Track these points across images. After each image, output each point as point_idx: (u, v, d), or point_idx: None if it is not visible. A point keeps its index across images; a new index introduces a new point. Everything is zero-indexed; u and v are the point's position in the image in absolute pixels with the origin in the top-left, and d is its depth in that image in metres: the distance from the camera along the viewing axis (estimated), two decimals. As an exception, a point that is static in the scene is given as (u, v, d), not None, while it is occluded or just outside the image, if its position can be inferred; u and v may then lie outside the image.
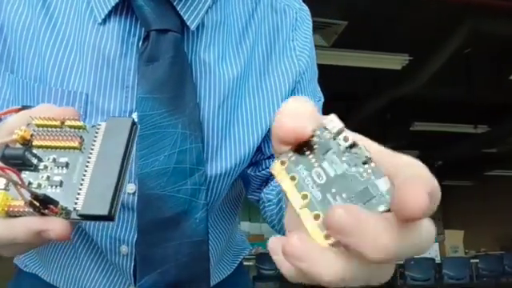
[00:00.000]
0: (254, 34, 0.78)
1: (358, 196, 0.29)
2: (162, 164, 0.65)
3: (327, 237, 0.28)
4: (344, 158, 0.30)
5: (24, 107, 0.43)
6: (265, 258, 6.94)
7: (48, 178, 0.37)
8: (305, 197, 0.30)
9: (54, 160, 0.38)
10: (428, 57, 5.56)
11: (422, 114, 7.38)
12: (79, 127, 0.39)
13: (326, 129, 0.31)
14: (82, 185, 0.36)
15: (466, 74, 6.02)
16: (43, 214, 0.36)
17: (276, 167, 0.32)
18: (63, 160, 0.38)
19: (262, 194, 0.78)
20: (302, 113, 0.32)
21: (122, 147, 0.37)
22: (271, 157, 0.78)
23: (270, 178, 0.79)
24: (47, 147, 0.38)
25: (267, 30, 0.80)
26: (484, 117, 7.54)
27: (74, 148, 0.38)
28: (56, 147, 0.38)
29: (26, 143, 0.38)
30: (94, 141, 0.38)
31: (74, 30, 0.71)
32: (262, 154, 0.78)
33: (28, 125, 0.39)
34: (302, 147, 0.32)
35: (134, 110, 0.68)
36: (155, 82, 0.66)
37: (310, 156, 0.31)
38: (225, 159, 0.73)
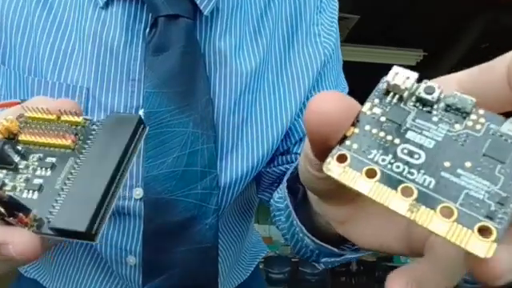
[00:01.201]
0: (273, 19, 0.73)
1: (488, 157, 0.22)
2: (170, 166, 0.62)
3: (482, 231, 0.21)
4: (435, 118, 0.24)
5: (24, 101, 0.39)
6: (273, 261, 6.91)
7: (27, 180, 0.32)
8: (408, 191, 0.22)
9: (40, 159, 0.33)
10: (444, 52, 5.52)
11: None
12: (76, 123, 0.34)
13: (391, 89, 0.26)
14: (63, 191, 0.31)
15: (483, 70, 5.97)
16: (8, 223, 0.30)
17: (332, 167, 0.24)
18: (50, 160, 0.33)
19: (272, 201, 0.73)
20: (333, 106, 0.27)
21: (119, 150, 0.31)
22: (285, 153, 0.75)
23: (282, 175, 0.75)
24: (35, 144, 0.34)
25: (288, 13, 0.75)
26: (504, 115, 7.48)
27: (66, 147, 0.33)
28: (45, 145, 0.34)
29: (12, 137, 0.34)
30: (90, 140, 0.33)
31: (73, 16, 0.67)
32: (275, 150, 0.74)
33: (19, 116, 0.35)
34: (353, 134, 0.25)
35: (141, 106, 0.65)
36: (164, 75, 0.63)
37: (382, 134, 0.24)
38: (240, 161, 0.69)
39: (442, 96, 0.26)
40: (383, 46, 5.43)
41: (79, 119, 0.34)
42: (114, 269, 0.70)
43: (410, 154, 0.23)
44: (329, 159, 0.24)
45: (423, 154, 0.23)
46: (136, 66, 0.65)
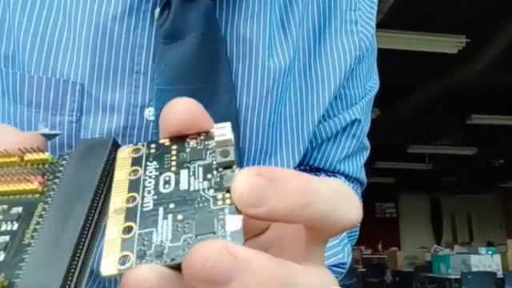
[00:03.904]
0: (303, 5, 0.68)
1: (197, 224, 0.25)
2: None
3: (121, 261, 0.24)
4: (209, 176, 0.27)
5: None
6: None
7: None
8: (131, 200, 0.26)
9: (4, 211, 0.30)
10: (488, 39, 5.45)
11: (481, 106, 7.24)
12: (43, 161, 0.31)
13: (208, 137, 0.28)
14: (31, 247, 0.28)
15: (533, 58, 5.89)
16: None
17: (125, 151, 0.29)
18: (16, 211, 0.30)
19: None
20: (198, 108, 0.28)
21: (92, 184, 0.29)
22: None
23: None
24: None
25: None
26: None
27: (33, 192, 0.30)
28: (9, 193, 0.31)
29: None
30: (59, 178, 0.30)
31: None
32: None
33: None
34: (173, 144, 0.29)
35: (148, 103, 0.60)
36: (179, 68, 0.58)
37: (175, 157, 0.28)
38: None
39: (230, 163, 0.27)
40: (421, 31, 5.39)
41: (46, 156, 0.31)
42: None
43: (168, 181, 0.27)
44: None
45: (172, 188, 0.26)
46: (141, 55, 0.60)
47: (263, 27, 0.64)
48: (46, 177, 0.30)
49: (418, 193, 12.82)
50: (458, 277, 6.93)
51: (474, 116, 7.41)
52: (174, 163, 0.28)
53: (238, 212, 0.24)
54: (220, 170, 0.27)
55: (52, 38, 0.60)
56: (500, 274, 7.17)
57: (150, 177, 0.27)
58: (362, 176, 0.82)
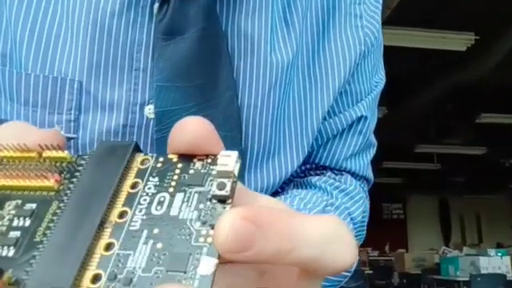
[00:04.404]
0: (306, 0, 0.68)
1: (171, 258, 0.25)
2: None
3: (93, 278, 0.25)
4: (201, 206, 0.27)
5: (6, 121, 0.35)
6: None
7: (2, 233, 0.29)
8: (123, 215, 0.27)
9: (18, 207, 0.30)
10: (498, 35, 5.44)
11: (491, 104, 7.23)
12: (61, 159, 0.31)
13: (214, 161, 0.28)
14: (43, 245, 0.28)
15: (544, 55, 5.87)
16: None
17: (136, 159, 0.30)
18: (29, 207, 0.30)
19: None
20: (209, 128, 0.28)
21: (110, 187, 0.29)
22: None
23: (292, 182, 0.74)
24: (12, 188, 0.31)
25: None
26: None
27: (49, 189, 0.30)
28: (24, 188, 0.31)
29: None
30: (77, 178, 0.30)
31: None
32: None
33: None
34: (179, 162, 0.29)
35: (147, 101, 0.60)
36: (179, 65, 0.58)
37: (176, 177, 0.28)
38: (272, 168, 0.67)
39: (225, 197, 0.27)
40: (429, 28, 5.38)
41: (64, 154, 0.31)
42: None
43: (161, 202, 0.27)
44: None
45: (163, 211, 0.27)
46: (141, 51, 0.60)
47: (265, 21, 0.63)
48: (63, 175, 0.30)
49: (425, 193, 12.81)
50: (467, 279, 6.92)
51: (484, 115, 7.40)
52: (173, 183, 0.28)
53: (216, 254, 0.24)
54: (214, 201, 0.27)
55: (50, 35, 0.60)
56: (510, 276, 7.15)
57: (147, 194, 0.28)
58: (369, 173, 0.82)
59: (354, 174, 0.78)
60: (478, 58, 5.75)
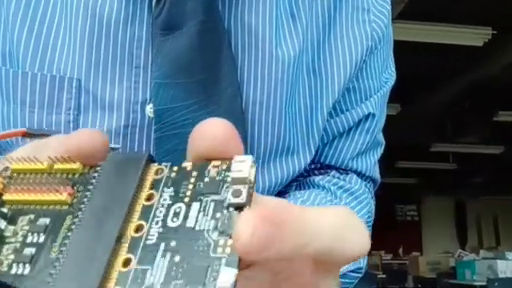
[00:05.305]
0: None
1: (190, 271, 0.25)
2: None
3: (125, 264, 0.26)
4: (218, 215, 0.26)
5: (29, 133, 0.36)
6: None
7: (16, 250, 0.29)
8: (139, 229, 0.27)
9: (31, 222, 0.30)
10: (516, 30, 5.43)
11: (509, 102, 7.20)
12: (73, 171, 0.31)
13: (229, 167, 0.28)
14: (59, 262, 0.27)
15: None
16: None
17: (151, 169, 0.30)
18: (43, 222, 0.29)
19: None
20: (232, 131, 0.28)
21: (125, 201, 0.28)
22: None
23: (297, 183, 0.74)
24: (24, 203, 0.30)
25: None
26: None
27: (62, 203, 0.30)
28: (36, 202, 0.30)
29: None
30: (89, 191, 0.30)
31: None
32: None
33: (3, 170, 0.32)
34: (193, 170, 0.29)
35: (149, 99, 0.59)
36: (178, 60, 0.57)
37: (191, 186, 0.28)
38: (279, 168, 0.67)
39: (241, 205, 0.27)
40: (444, 23, 5.36)
41: (76, 165, 0.31)
42: None
43: (177, 214, 0.27)
44: None
45: (179, 223, 0.27)
46: (140, 48, 0.59)
47: (269, 14, 0.62)
48: (75, 188, 0.30)
49: (441, 194, 12.77)
50: (484, 283, 6.88)
51: (501, 112, 7.37)
52: (188, 193, 0.28)
53: (235, 264, 0.24)
54: (230, 209, 0.27)
55: (48, 33, 0.60)
56: (530, 281, 7.13)
57: (163, 205, 0.28)
58: (376, 174, 0.81)
59: (360, 174, 0.78)
60: (495, 53, 5.72)
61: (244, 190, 0.26)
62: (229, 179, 0.27)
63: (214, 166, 0.28)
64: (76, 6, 0.59)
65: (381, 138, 0.81)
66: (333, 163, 0.76)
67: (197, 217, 0.27)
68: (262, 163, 0.65)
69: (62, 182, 0.30)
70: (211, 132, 0.27)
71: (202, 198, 0.27)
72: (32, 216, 0.30)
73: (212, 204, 0.27)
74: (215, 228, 0.26)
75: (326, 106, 0.69)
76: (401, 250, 11.57)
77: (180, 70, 0.58)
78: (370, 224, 0.77)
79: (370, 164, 0.79)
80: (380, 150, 0.81)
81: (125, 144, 0.61)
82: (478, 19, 5.33)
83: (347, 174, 0.77)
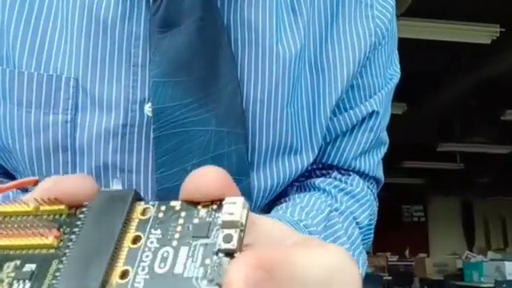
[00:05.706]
0: None
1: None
2: None
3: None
4: (207, 261, 0.26)
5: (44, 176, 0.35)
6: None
7: None
8: (124, 275, 0.26)
9: (17, 268, 0.29)
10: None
11: (517, 100, 7.19)
12: (59, 212, 0.30)
13: (220, 208, 0.27)
14: None
15: None
16: None
17: (137, 208, 0.29)
18: (28, 268, 0.29)
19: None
20: (228, 181, 0.28)
21: (111, 241, 0.28)
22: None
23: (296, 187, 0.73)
24: (10, 248, 0.30)
25: None
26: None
27: (48, 247, 0.29)
28: (22, 247, 0.30)
29: None
30: (75, 233, 0.29)
31: None
32: None
33: None
34: (182, 210, 0.28)
35: (147, 99, 0.59)
36: (177, 58, 0.56)
37: (180, 228, 0.27)
38: (282, 167, 0.66)
39: (232, 251, 0.26)
40: (451, 20, 5.36)
41: (62, 207, 0.30)
42: None
43: (165, 259, 0.27)
44: None
45: (166, 269, 0.26)
46: (138, 46, 0.59)
47: (269, 9, 0.62)
48: (61, 230, 0.30)
49: (448, 195, 12.74)
50: (492, 285, 6.87)
51: (509, 111, 7.35)
52: (177, 235, 0.27)
53: None
54: (220, 255, 0.26)
55: (44, 32, 0.60)
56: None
57: (150, 249, 0.27)
58: (379, 173, 0.80)
59: (362, 174, 0.77)
60: (503, 51, 5.71)
61: (235, 234, 0.26)
62: (219, 221, 0.27)
63: (204, 206, 0.28)
64: (72, 4, 0.59)
65: (384, 136, 0.80)
66: (335, 163, 0.75)
67: (185, 263, 0.26)
68: (264, 162, 0.64)
69: (48, 225, 0.30)
70: (207, 182, 0.27)
71: (190, 241, 0.27)
72: (18, 262, 0.29)
73: (201, 248, 0.26)
74: (204, 276, 0.25)
75: (329, 103, 0.68)
76: (407, 252, 11.55)
77: (178, 68, 0.57)
78: (373, 225, 0.76)
79: (374, 163, 0.78)
80: (383, 149, 0.80)
81: (123, 144, 0.61)
82: (486, 17, 5.32)
83: (349, 175, 0.76)
